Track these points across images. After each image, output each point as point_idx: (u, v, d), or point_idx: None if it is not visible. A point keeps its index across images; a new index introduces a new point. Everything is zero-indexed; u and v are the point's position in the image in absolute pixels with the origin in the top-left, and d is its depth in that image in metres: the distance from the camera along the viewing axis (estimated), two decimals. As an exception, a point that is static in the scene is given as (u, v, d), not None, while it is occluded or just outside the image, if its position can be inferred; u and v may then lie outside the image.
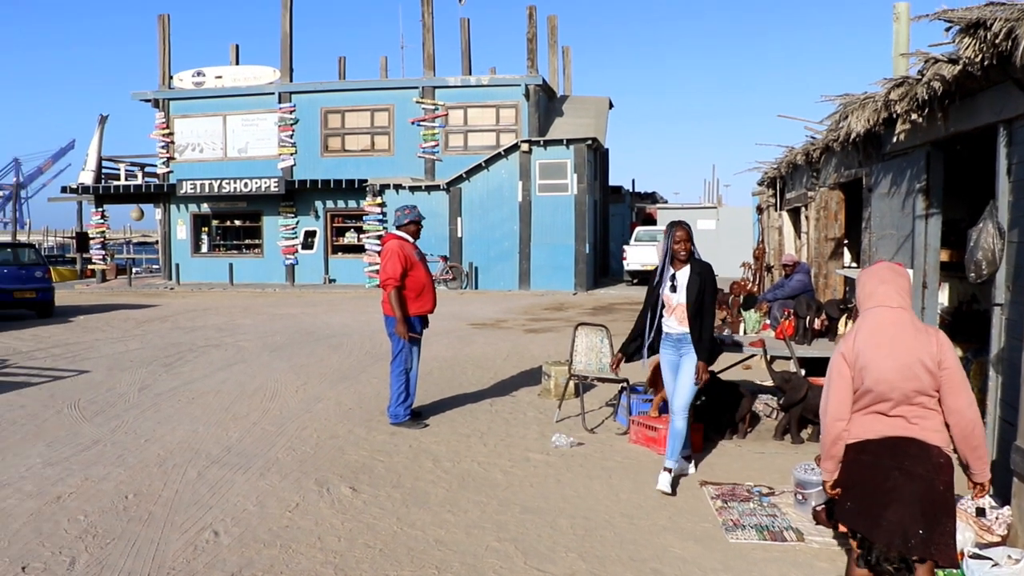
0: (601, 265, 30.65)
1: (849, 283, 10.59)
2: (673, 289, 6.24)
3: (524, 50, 27.96)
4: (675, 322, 6.26)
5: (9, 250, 21.45)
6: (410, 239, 8.09)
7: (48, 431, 8.16)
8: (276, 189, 28.41)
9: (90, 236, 33.74)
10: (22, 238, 55.12)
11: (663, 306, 6.34)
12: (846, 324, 8.19)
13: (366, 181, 27.54)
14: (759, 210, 19.65)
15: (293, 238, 29.66)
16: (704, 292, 6.16)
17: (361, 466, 6.81)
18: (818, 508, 5.30)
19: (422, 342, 8.28)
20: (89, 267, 34.73)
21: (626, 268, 27.72)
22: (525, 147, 25.83)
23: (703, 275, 6.19)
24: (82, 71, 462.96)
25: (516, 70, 28.03)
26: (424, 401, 9.03)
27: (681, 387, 6.24)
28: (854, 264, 11.42)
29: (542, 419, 8.41)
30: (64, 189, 33.23)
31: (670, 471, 6.08)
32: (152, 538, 5.30)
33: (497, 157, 26.21)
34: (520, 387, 10.13)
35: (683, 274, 6.22)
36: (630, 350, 6.63)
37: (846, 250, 11.68)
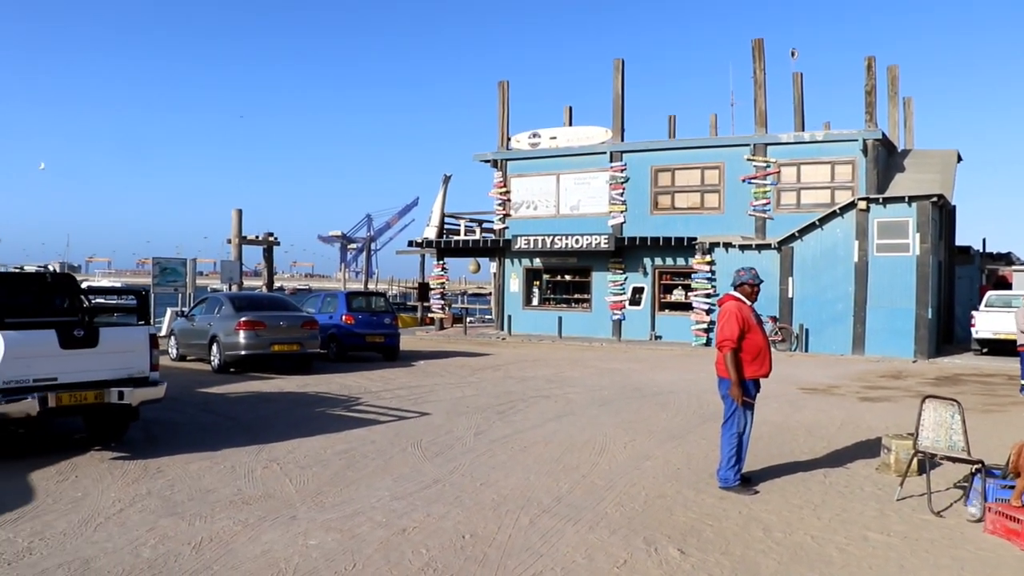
0: (944, 331, 28.40)
1: None
2: None
3: (861, 103, 26.75)
4: None
5: (363, 298, 23.58)
6: (747, 301, 7.99)
7: (394, 467, 8.81)
8: (606, 246, 29.07)
9: (430, 286, 36.28)
10: (371, 287, 60.35)
11: None
12: None
13: (695, 239, 27.53)
14: None
15: (621, 294, 30.15)
16: None
17: (689, 528, 6.73)
18: None
19: (755, 406, 8.09)
20: (428, 315, 37.32)
21: (974, 336, 25.39)
22: (862, 205, 24.61)
23: None
24: (427, 134, 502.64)
25: (852, 124, 26.97)
26: (754, 466, 8.78)
27: None
28: None
29: (881, 496, 7.88)
30: (411, 243, 36.10)
31: None
32: (487, 580, 5.55)
33: (832, 215, 25.18)
34: (856, 459, 9.57)
35: None
36: None
37: None
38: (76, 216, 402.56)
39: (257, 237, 33.88)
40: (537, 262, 32.32)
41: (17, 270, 11.79)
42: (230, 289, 29.68)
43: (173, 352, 20.32)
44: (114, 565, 5.70)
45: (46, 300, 10.73)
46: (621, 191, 30.14)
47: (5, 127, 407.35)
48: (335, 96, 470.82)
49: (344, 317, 21.35)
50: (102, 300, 14.33)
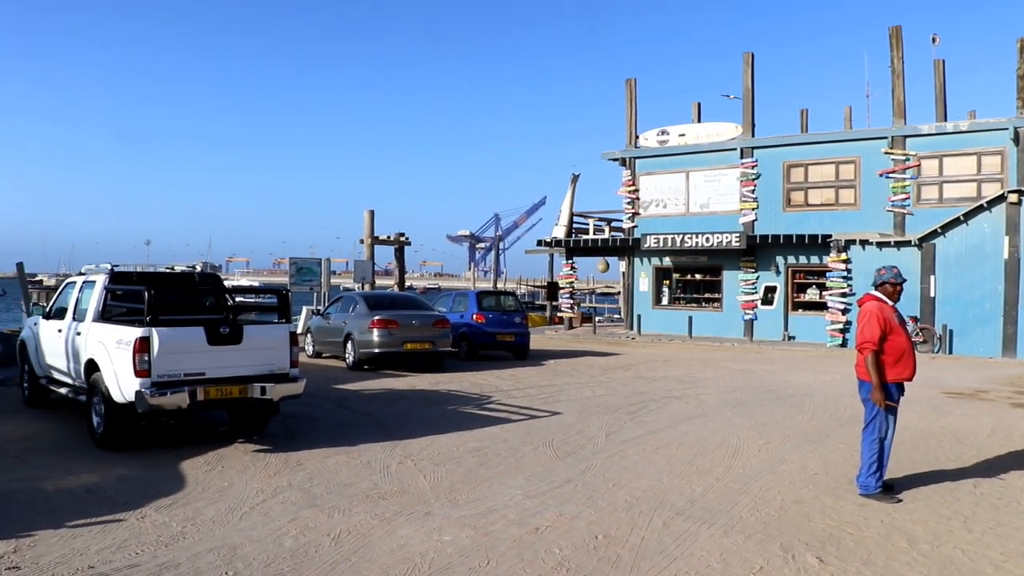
0: (1106, 333, 26.78)
1: None
2: None
3: (1012, 88, 25.43)
4: None
5: (493, 298, 23.75)
6: (889, 301, 7.73)
7: (526, 466, 8.85)
8: (737, 244, 28.55)
9: (559, 285, 36.31)
10: (499, 286, 60.88)
11: None
12: None
13: (830, 236, 26.73)
14: None
15: (753, 293, 29.54)
16: None
17: (828, 536, 6.53)
18: None
19: (897, 410, 7.79)
20: (557, 314, 37.39)
21: None
22: (1013, 198, 23.42)
23: None
24: (555, 133, 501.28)
25: (1001, 112, 25.60)
26: (896, 474, 8.45)
27: None
28: None
29: (1039, 508, 7.48)
30: (539, 242, 36.22)
31: None
32: (622, 582, 5.52)
33: (978, 209, 24.05)
34: (1009, 469, 9.07)
35: None
36: None
37: None
38: (217, 217, 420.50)
39: (389, 237, 34.55)
40: (667, 261, 31.98)
41: (168, 270, 12.36)
42: (363, 288, 30.35)
43: (309, 349, 20.93)
44: (259, 553, 5.93)
45: (194, 299, 11.26)
46: (752, 188, 29.54)
47: (152, 134, 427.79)
48: (463, 96, 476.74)
49: (475, 316, 21.57)
50: (243, 299, 14.89)
